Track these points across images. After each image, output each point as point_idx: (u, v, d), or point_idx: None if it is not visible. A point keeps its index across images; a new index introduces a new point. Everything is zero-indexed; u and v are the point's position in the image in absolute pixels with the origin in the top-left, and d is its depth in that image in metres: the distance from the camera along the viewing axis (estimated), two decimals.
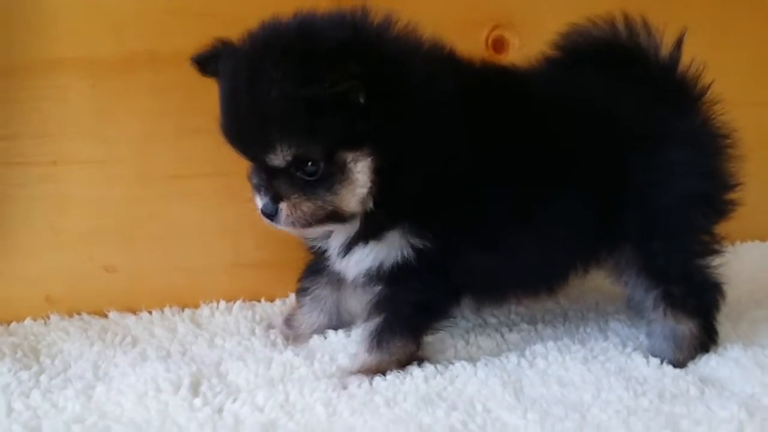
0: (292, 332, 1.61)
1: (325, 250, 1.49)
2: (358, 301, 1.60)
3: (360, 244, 1.40)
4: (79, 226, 1.66)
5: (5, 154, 1.60)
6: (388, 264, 1.39)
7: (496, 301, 1.62)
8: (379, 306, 1.44)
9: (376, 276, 1.41)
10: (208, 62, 1.40)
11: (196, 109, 1.67)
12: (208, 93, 1.65)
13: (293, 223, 1.32)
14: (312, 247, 1.54)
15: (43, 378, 1.38)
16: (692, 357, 1.48)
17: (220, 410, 1.28)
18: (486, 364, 1.44)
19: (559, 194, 1.42)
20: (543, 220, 1.42)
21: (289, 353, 1.49)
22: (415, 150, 1.31)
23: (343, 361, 1.47)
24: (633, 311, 1.57)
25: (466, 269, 1.41)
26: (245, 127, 1.31)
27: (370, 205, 1.34)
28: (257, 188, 1.35)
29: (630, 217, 1.44)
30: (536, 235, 1.43)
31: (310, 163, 1.28)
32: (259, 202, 1.35)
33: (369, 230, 1.38)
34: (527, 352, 1.49)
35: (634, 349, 1.50)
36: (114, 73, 1.63)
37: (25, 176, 1.62)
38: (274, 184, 1.32)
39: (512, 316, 1.69)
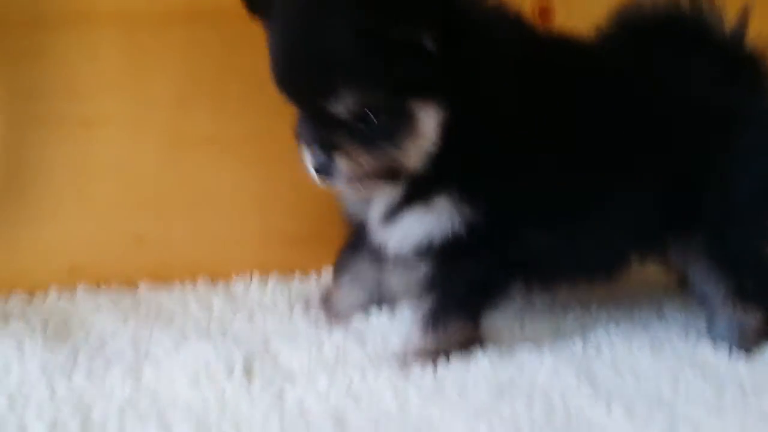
0: (330, 312, 1.52)
1: (364, 220, 1.40)
2: (400, 278, 1.51)
3: (405, 210, 1.30)
4: (107, 191, 1.56)
5: (32, 113, 1.48)
6: (437, 238, 1.29)
7: (549, 285, 1.52)
8: (431, 285, 1.35)
9: (425, 252, 1.32)
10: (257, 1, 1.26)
11: (236, 68, 1.58)
12: (248, 52, 1.57)
13: (351, 179, 1.21)
14: (350, 217, 1.44)
15: (81, 357, 1.27)
16: (756, 346, 1.42)
17: (280, 396, 1.19)
18: (551, 351, 1.36)
19: (626, 174, 1.34)
20: (607, 200, 1.35)
21: (338, 335, 1.40)
22: (482, 108, 1.22)
23: (397, 344, 1.39)
24: (695, 301, 1.50)
25: (521, 247, 1.32)
26: (304, 70, 1.17)
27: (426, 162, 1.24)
28: (308, 141, 1.22)
29: (706, 202, 1.37)
30: (599, 216, 1.35)
31: (373, 112, 1.17)
32: (311, 157, 1.22)
33: (415, 193, 1.28)
34: (591, 337, 1.43)
35: (699, 337, 1.44)
36: (151, 28, 1.51)
37: (52, 137, 1.50)
38: (330, 135, 1.20)
39: (560, 297, 1.63)
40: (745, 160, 1.37)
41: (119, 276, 1.57)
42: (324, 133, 1.20)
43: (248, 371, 1.25)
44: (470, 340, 1.36)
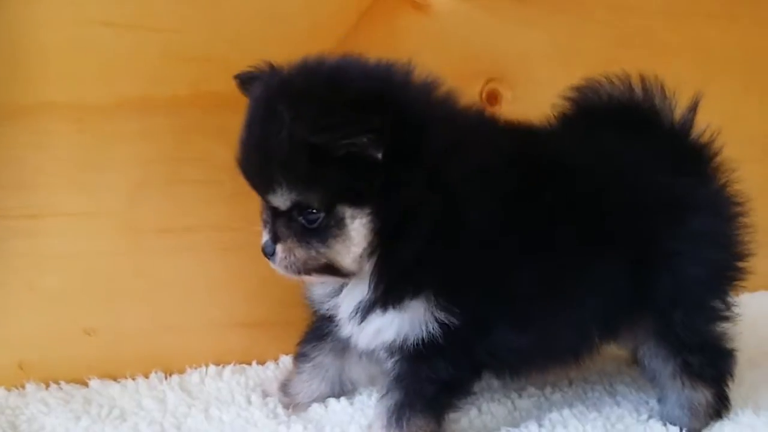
0: (289, 400, 1.51)
1: (333, 315, 1.40)
2: (363, 370, 1.53)
3: (377, 311, 1.31)
4: (58, 284, 1.52)
5: None
6: (411, 339, 1.30)
7: (519, 375, 1.51)
8: (398, 381, 1.34)
9: (398, 350, 1.33)
10: (248, 82, 1.34)
11: (188, 157, 1.59)
12: (202, 141, 1.59)
13: (287, 267, 1.28)
14: (317, 310, 1.44)
15: None
16: (707, 424, 1.47)
17: None
18: None
19: (589, 265, 1.36)
20: (573, 292, 1.37)
21: (297, 426, 1.39)
22: (424, 219, 1.24)
23: None
24: (646, 378, 1.53)
25: (494, 347, 1.34)
26: (253, 162, 1.27)
27: (367, 266, 1.28)
28: (264, 224, 1.31)
29: (655, 287, 1.40)
30: (566, 307, 1.37)
31: (311, 211, 1.24)
32: (262, 238, 1.30)
33: (386, 297, 1.30)
34: (545, 421, 1.45)
35: (650, 417, 1.48)
36: (103, 118, 1.51)
37: (1, 231, 1.47)
38: (275, 223, 1.27)
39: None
40: (689, 246, 1.41)
41: (70, 372, 1.52)
42: (272, 222, 1.28)
43: None
44: None
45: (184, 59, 1.55)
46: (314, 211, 1.23)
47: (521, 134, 1.42)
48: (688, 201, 1.43)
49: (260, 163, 1.24)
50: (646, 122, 1.48)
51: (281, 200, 1.24)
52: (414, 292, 1.28)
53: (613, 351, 1.67)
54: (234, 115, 1.57)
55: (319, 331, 1.49)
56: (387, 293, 1.29)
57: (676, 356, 1.45)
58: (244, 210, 1.60)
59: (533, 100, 1.70)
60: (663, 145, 1.46)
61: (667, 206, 1.41)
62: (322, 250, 1.25)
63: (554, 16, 1.90)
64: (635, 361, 1.65)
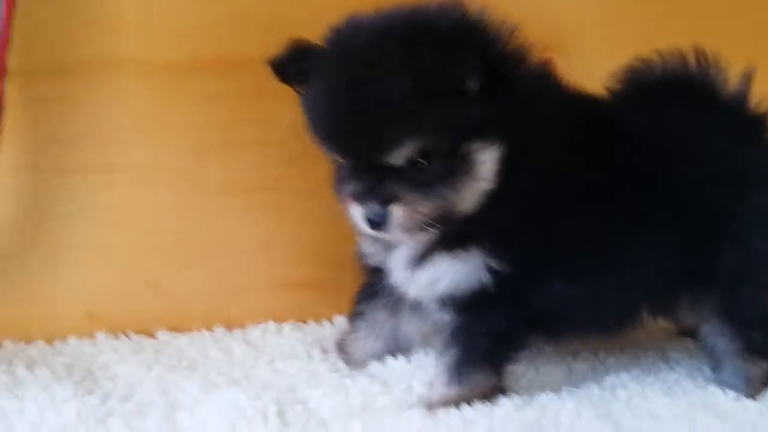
0: (347, 357, 1.54)
1: (381, 268, 1.42)
2: (416, 327, 1.54)
3: (433, 257, 1.32)
4: (126, 238, 1.56)
5: (55, 160, 1.50)
6: (464, 288, 1.32)
7: (562, 339, 1.53)
8: (454, 337, 1.37)
9: (450, 301, 1.35)
10: (289, 65, 1.30)
11: (252, 119, 1.61)
12: (270, 103, 1.61)
13: (407, 229, 1.23)
14: (367, 262, 1.46)
15: (113, 404, 1.27)
16: (760, 392, 1.48)
17: None
18: (570, 394, 1.41)
19: (645, 232, 1.37)
20: (627, 256, 1.37)
21: (363, 380, 1.42)
22: (529, 147, 1.27)
23: (421, 389, 1.41)
24: (703, 352, 1.53)
25: (545, 300, 1.35)
26: (359, 125, 1.20)
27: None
28: (359, 195, 1.24)
29: (722, 261, 1.40)
30: (617, 271, 1.38)
31: (431, 158, 1.22)
32: (361, 210, 1.24)
33: (445, 241, 1.30)
34: (605, 382, 1.47)
35: (707, 382, 1.50)
36: (175, 77, 1.55)
37: (74, 184, 1.51)
38: (385, 186, 1.22)
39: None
40: (755, 220, 1.41)
41: (135, 323, 1.57)
42: (379, 185, 1.23)
43: (282, 418, 1.27)
44: (494, 391, 1.37)
45: (256, 19, 1.57)
46: (437, 157, 1.21)
47: (584, 96, 1.43)
48: (753, 173, 1.42)
49: (374, 121, 1.19)
50: (702, 95, 1.47)
51: (406, 153, 1.20)
52: (474, 237, 1.29)
53: (663, 324, 1.69)
54: None
55: (371, 288, 1.50)
56: (449, 238, 1.30)
57: (741, 334, 1.44)
58: (302, 173, 1.66)
59: (587, 70, 1.70)
60: (722, 117, 1.45)
61: (732, 179, 1.41)
62: (450, 195, 1.23)
63: None
64: (684, 332, 1.68)
